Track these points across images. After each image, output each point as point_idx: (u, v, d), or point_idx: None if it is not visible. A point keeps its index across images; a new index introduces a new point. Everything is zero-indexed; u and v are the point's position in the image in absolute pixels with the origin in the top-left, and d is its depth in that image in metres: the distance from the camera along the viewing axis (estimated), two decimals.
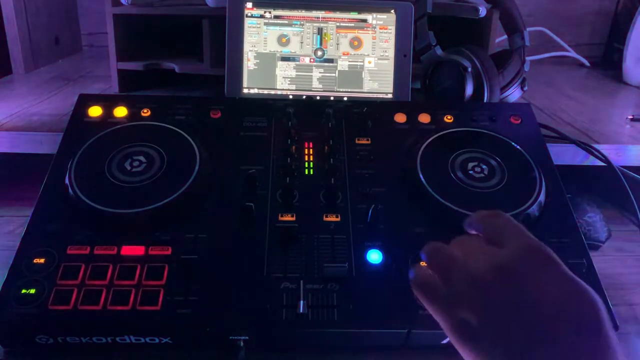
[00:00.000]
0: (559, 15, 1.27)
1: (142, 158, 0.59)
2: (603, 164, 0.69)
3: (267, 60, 0.76)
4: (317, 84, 0.76)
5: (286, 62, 0.76)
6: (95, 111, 0.66)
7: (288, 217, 0.56)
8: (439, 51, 0.74)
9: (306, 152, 0.63)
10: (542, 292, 0.32)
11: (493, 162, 0.61)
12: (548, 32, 1.22)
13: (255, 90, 0.76)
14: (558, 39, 1.23)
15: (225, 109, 0.67)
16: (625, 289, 0.61)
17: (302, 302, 0.48)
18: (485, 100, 0.73)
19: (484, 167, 0.60)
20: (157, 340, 0.48)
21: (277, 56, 0.76)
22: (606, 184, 0.76)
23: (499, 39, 0.95)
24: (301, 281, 0.50)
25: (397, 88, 0.77)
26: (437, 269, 0.38)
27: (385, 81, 0.77)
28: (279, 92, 0.76)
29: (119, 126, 0.63)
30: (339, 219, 0.56)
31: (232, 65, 0.75)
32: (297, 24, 0.76)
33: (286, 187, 0.58)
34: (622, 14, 1.25)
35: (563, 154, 0.72)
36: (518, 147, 0.63)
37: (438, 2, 0.78)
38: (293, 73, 0.76)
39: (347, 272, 0.51)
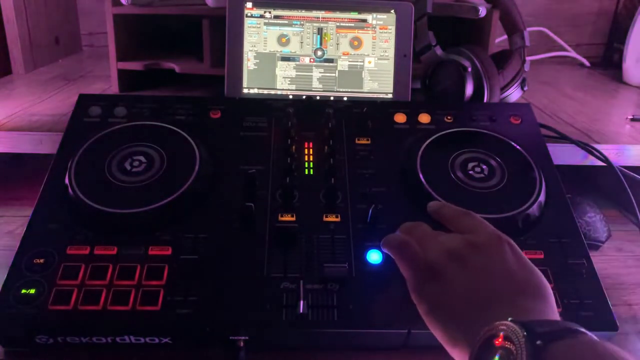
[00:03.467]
0: (559, 15, 1.27)
1: (142, 158, 0.59)
2: (603, 164, 0.69)
3: (267, 60, 0.76)
4: (317, 84, 0.76)
5: (286, 62, 0.76)
6: (95, 111, 0.66)
7: (288, 217, 0.56)
8: (439, 51, 0.74)
9: (306, 152, 0.63)
10: (504, 264, 0.41)
11: (493, 162, 0.61)
12: (548, 32, 1.22)
13: (255, 90, 0.76)
14: (558, 39, 1.23)
15: (225, 109, 0.67)
16: (624, 289, 0.61)
17: (302, 302, 0.48)
18: (485, 100, 0.73)
19: (484, 167, 0.60)
20: (157, 340, 0.48)
21: (277, 56, 0.76)
22: (606, 184, 0.76)
23: (499, 39, 0.95)
24: (301, 281, 0.50)
25: (397, 88, 0.77)
26: (416, 238, 0.45)
27: (385, 81, 0.77)
28: (279, 92, 0.76)
29: (119, 126, 0.63)
30: (339, 219, 0.56)
31: (232, 65, 0.75)
32: (297, 24, 0.76)
33: (286, 187, 0.58)
34: (622, 14, 1.25)
35: (563, 154, 0.72)
36: (518, 147, 0.63)
37: (438, 2, 0.78)
38: (293, 73, 0.76)
39: (347, 272, 0.51)
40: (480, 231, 0.44)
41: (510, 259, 0.41)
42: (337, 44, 0.76)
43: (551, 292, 0.40)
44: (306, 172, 0.61)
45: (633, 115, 0.84)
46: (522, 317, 0.34)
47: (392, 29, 0.76)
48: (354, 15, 0.76)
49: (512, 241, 0.43)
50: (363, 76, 0.77)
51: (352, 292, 0.50)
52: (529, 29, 0.81)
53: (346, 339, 0.49)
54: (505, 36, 0.83)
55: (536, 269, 0.41)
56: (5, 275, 0.50)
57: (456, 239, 0.44)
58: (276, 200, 0.57)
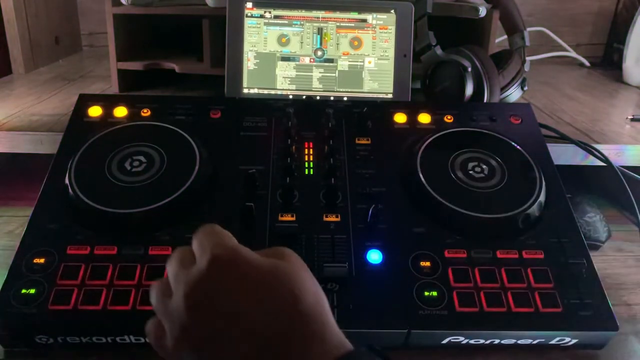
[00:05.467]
0: (559, 15, 1.27)
1: (142, 158, 0.59)
2: (603, 164, 0.69)
3: (267, 60, 0.76)
4: (317, 84, 0.76)
5: (286, 62, 0.76)
6: (95, 111, 0.66)
7: (288, 217, 0.56)
8: (439, 51, 0.74)
9: (306, 152, 0.63)
10: (232, 302, 0.32)
11: (493, 162, 0.61)
12: (548, 32, 1.22)
13: (255, 90, 0.76)
14: (558, 39, 1.23)
15: (225, 109, 0.67)
16: (624, 289, 0.61)
17: None
18: (485, 100, 0.73)
19: (484, 167, 0.60)
20: None
21: (277, 56, 0.76)
22: (606, 184, 0.76)
23: (499, 39, 0.95)
24: None
25: (397, 88, 0.77)
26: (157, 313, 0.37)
27: (385, 81, 0.77)
28: (279, 92, 0.76)
29: (119, 126, 0.63)
30: (339, 219, 0.56)
31: (232, 65, 0.75)
32: (297, 24, 0.76)
33: (286, 187, 0.58)
34: (622, 14, 1.25)
35: (563, 154, 0.72)
36: (518, 147, 0.63)
37: (438, 2, 0.78)
38: (293, 73, 0.76)
39: (347, 272, 0.51)
40: (198, 257, 0.36)
41: (236, 289, 0.33)
42: (337, 44, 0.76)
43: (301, 284, 0.33)
44: (306, 172, 0.61)
45: (633, 115, 0.84)
46: None
47: (392, 29, 0.76)
48: (354, 15, 0.76)
49: (233, 253, 0.35)
50: (363, 76, 0.77)
51: (352, 292, 0.50)
52: (529, 29, 0.81)
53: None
54: (505, 36, 0.83)
55: (273, 269, 0.34)
56: (5, 275, 0.50)
57: (178, 287, 0.35)
58: (276, 200, 0.57)
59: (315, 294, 0.33)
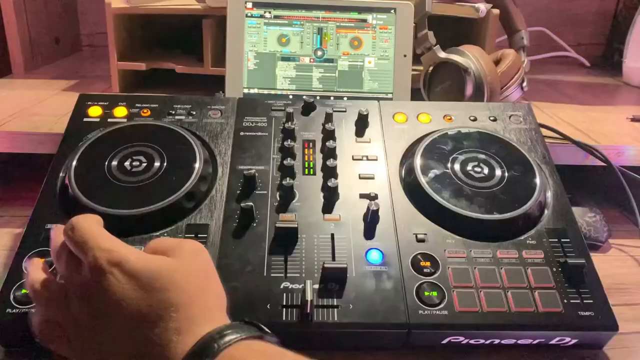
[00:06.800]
0: (559, 15, 1.27)
1: (142, 158, 0.59)
2: (603, 164, 0.69)
3: (267, 60, 0.76)
4: (317, 84, 0.76)
5: (286, 62, 0.76)
6: (95, 111, 0.66)
7: (288, 217, 0.56)
8: (439, 51, 0.75)
9: (306, 152, 0.63)
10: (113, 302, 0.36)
11: (493, 162, 0.61)
12: (548, 32, 1.22)
13: (255, 90, 0.76)
14: (558, 39, 1.23)
15: (225, 109, 0.67)
16: (624, 289, 0.61)
17: (309, 302, 0.47)
18: (485, 100, 0.73)
19: (484, 167, 0.60)
20: None
21: (277, 56, 0.76)
22: (606, 184, 0.76)
23: (499, 39, 0.95)
24: (309, 281, 0.49)
25: (397, 88, 0.77)
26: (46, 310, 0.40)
27: (385, 81, 0.77)
28: (279, 92, 0.76)
29: (119, 126, 0.63)
30: (339, 219, 0.56)
31: (232, 65, 0.75)
32: (297, 24, 0.76)
33: (286, 187, 0.58)
34: (622, 14, 1.25)
35: (563, 154, 0.72)
36: (518, 147, 0.63)
37: (438, 2, 0.78)
38: (293, 73, 0.76)
39: (347, 272, 0.51)
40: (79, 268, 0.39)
41: (122, 290, 0.35)
42: (337, 44, 0.76)
43: (190, 294, 0.36)
44: (306, 172, 0.61)
45: (633, 116, 0.84)
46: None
47: (392, 29, 0.76)
48: (354, 15, 0.76)
49: (123, 260, 0.37)
50: (363, 76, 0.77)
51: (352, 292, 0.50)
52: (529, 29, 0.81)
53: (346, 339, 0.49)
54: (505, 36, 0.83)
55: (160, 276, 0.37)
56: (5, 275, 0.50)
57: (70, 289, 0.38)
58: (276, 200, 0.57)
59: (190, 294, 0.36)
